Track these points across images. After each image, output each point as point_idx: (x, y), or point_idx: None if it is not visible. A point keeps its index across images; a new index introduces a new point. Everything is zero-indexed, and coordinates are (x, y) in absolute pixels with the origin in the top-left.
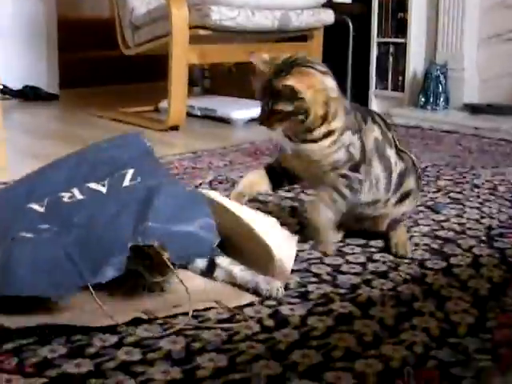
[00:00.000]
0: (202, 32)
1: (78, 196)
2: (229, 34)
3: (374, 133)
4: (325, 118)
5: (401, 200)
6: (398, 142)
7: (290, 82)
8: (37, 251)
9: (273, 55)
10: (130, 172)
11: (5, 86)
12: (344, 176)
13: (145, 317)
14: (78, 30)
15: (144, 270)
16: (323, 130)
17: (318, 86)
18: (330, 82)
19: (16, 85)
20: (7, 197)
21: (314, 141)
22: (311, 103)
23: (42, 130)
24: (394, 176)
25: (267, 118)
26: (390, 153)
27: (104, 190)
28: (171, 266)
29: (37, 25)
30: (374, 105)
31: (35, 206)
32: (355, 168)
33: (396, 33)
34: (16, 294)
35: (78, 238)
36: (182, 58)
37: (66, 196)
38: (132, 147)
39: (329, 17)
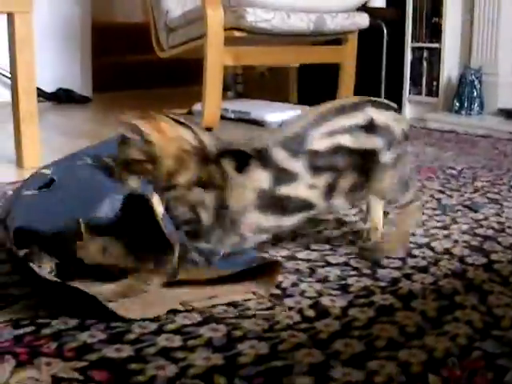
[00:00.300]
0: (237, 34)
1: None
2: (264, 37)
3: (257, 183)
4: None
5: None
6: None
7: (135, 122)
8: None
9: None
10: None
11: (39, 89)
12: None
13: (182, 308)
14: (112, 35)
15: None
16: (169, 180)
17: (169, 133)
18: (186, 134)
19: (50, 88)
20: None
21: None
22: (160, 151)
23: (76, 130)
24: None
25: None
26: (297, 190)
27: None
28: (162, 224)
29: (71, 29)
30: (408, 110)
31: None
32: (196, 233)
33: (430, 37)
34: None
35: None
36: (216, 59)
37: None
38: None
39: (363, 20)
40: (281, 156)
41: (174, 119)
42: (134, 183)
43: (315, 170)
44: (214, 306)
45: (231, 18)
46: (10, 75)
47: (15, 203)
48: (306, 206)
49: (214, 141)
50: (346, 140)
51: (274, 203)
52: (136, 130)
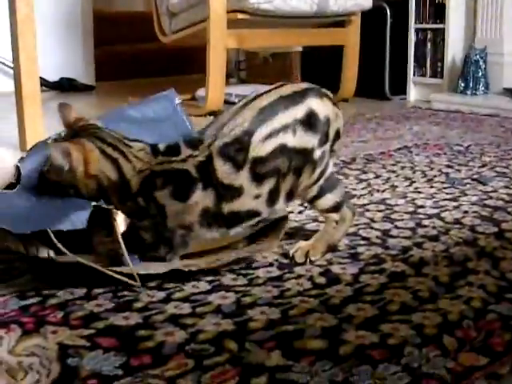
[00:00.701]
0: (240, 16)
1: None
2: (266, 19)
3: (199, 205)
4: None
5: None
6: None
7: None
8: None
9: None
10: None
11: (42, 78)
12: None
13: (185, 269)
14: (114, 23)
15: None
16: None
17: (94, 167)
18: (109, 168)
19: (52, 77)
20: None
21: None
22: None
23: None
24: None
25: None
26: (242, 204)
27: None
28: (120, 241)
29: (73, 18)
30: (413, 92)
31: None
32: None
33: (434, 18)
34: None
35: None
36: (220, 42)
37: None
38: (160, 104)
39: (367, 1)
40: (224, 170)
41: (109, 143)
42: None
43: (259, 178)
44: (220, 273)
45: (234, 1)
46: (9, 63)
47: None
48: (251, 215)
49: (144, 166)
50: (289, 138)
51: (219, 219)
52: (66, 156)
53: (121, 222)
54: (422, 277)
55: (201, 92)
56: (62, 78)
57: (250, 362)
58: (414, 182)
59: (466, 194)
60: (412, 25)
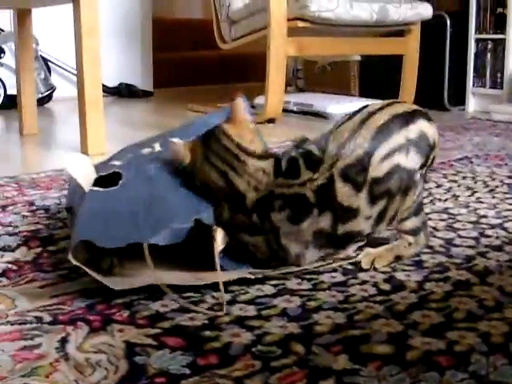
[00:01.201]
0: (300, 24)
1: (157, 148)
2: (327, 28)
3: (314, 226)
4: None
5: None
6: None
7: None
8: (102, 203)
9: None
10: None
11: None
12: None
13: (251, 276)
14: (172, 30)
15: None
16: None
17: None
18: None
19: (112, 82)
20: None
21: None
22: None
23: (139, 122)
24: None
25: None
26: (356, 225)
27: None
28: (216, 260)
29: (132, 24)
30: (472, 103)
31: (116, 162)
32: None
33: (495, 28)
34: (75, 241)
35: (145, 195)
36: (280, 50)
37: (145, 151)
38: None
39: (427, 11)
40: (344, 192)
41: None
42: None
43: (374, 199)
44: (286, 279)
45: (294, 8)
46: (71, 69)
47: (82, 198)
48: (357, 235)
49: (261, 186)
50: (402, 159)
51: (332, 240)
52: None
53: (220, 239)
54: (487, 286)
55: (260, 100)
56: (121, 84)
57: (317, 365)
58: (476, 192)
59: None
60: (472, 35)
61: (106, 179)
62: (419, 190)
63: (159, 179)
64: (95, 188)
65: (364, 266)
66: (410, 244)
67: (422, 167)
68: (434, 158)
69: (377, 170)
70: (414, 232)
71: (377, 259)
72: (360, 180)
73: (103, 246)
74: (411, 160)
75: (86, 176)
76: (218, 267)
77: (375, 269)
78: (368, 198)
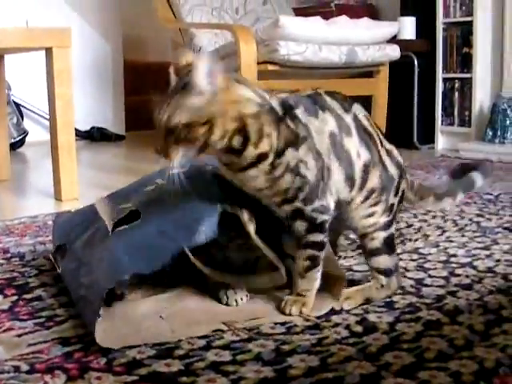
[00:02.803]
0: (270, 67)
1: (160, 182)
2: (296, 70)
3: (328, 126)
4: (245, 138)
5: (366, 198)
6: (366, 122)
7: (190, 57)
8: (130, 236)
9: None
10: None
11: None
12: (300, 216)
13: (225, 328)
14: (144, 74)
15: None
16: (251, 153)
17: (229, 86)
18: (248, 93)
19: (83, 126)
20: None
21: (247, 167)
22: (216, 106)
23: (111, 166)
24: (357, 170)
25: (163, 144)
26: (349, 143)
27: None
28: (254, 236)
29: (103, 67)
30: (441, 141)
31: (124, 205)
32: (312, 196)
33: (461, 68)
34: (118, 279)
35: (169, 212)
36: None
37: (149, 187)
38: None
39: (394, 52)
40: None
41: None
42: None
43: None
44: (259, 325)
45: (264, 52)
46: (43, 113)
47: (111, 240)
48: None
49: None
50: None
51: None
52: (210, 75)
53: (248, 221)
54: (457, 325)
55: None
56: (92, 128)
57: None
58: (446, 231)
59: (497, 243)
60: (439, 74)
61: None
62: (391, 216)
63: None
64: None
65: (335, 306)
66: (382, 286)
67: (395, 194)
68: (403, 192)
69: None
70: (386, 273)
71: (347, 300)
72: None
73: (148, 272)
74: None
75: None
76: (262, 245)
77: (344, 310)
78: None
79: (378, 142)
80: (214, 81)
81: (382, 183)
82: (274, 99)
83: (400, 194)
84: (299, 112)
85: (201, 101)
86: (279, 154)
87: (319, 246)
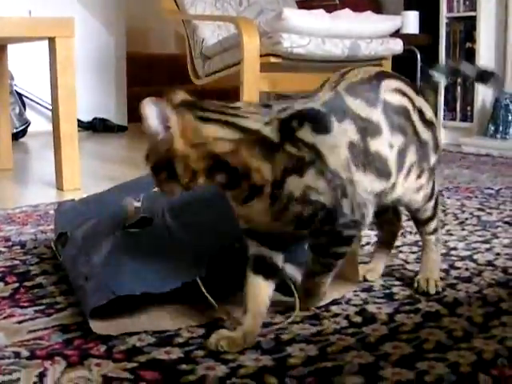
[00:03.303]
0: (273, 60)
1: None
2: (299, 63)
3: (346, 137)
4: (231, 173)
5: (408, 173)
6: (398, 97)
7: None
8: (140, 253)
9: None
10: None
11: None
12: (321, 233)
13: (225, 317)
14: (147, 66)
15: None
16: (244, 187)
17: (190, 127)
18: (217, 132)
19: (85, 117)
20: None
21: (247, 200)
22: (173, 150)
23: (112, 156)
24: (391, 160)
25: (157, 183)
26: (377, 142)
27: None
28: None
29: (106, 59)
30: (443, 135)
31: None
32: (332, 216)
33: None
34: (113, 297)
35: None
36: (253, 85)
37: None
38: None
39: (397, 46)
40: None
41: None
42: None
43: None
44: None
45: (267, 45)
46: (46, 103)
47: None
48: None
49: (270, 117)
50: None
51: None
52: (163, 119)
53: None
54: (456, 317)
55: None
56: (95, 119)
57: None
58: (446, 224)
59: (497, 237)
60: None
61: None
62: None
63: None
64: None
65: (431, 291)
66: (435, 245)
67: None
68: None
69: (388, 95)
70: (435, 232)
71: (369, 272)
72: (371, 98)
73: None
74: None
75: None
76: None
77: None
78: (384, 119)
79: (412, 108)
80: (165, 124)
81: (418, 154)
82: (270, 125)
83: (437, 151)
84: (303, 133)
85: (157, 145)
86: (278, 184)
87: (340, 256)
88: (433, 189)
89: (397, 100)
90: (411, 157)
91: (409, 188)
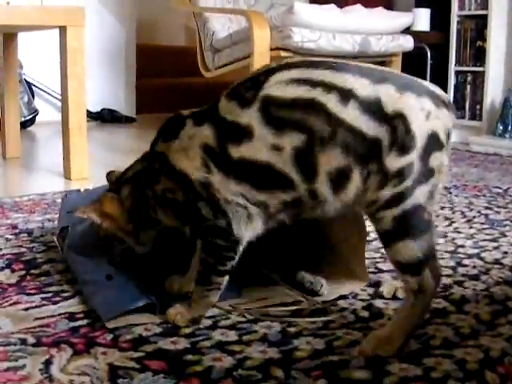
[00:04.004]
0: (283, 54)
1: None
2: (309, 57)
3: (200, 140)
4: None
5: (332, 182)
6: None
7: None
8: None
9: None
10: None
11: None
12: (197, 234)
13: (231, 309)
14: (156, 57)
15: None
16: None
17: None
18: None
19: (94, 108)
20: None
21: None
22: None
23: (120, 147)
24: (283, 164)
25: None
26: (245, 148)
27: None
28: None
29: (116, 50)
30: (452, 134)
31: None
32: (192, 213)
33: (474, 61)
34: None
35: None
36: None
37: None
38: None
39: (408, 43)
40: (227, 107)
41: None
42: None
43: (274, 123)
44: (265, 307)
45: (277, 39)
46: (55, 93)
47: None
48: (266, 171)
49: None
50: (330, 102)
51: (224, 164)
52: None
53: None
54: (464, 314)
55: None
56: (103, 109)
57: None
58: (454, 222)
59: (505, 236)
60: (452, 67)
61: None
62: (402, 186)
63: None
64: None
65: (365, 353)
66: (415, 294)
67: (390, 147)
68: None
69: (275, 89)
70: (415, 268)
71: (383, 347)
72: (248, 96)
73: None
74: (353, 116)
75: None
76: None
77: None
78: (263, 119)
79: (328, 98)
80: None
81: (353, 154)
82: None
83: (407, 151)
84: (157, 145)
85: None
86: (155, 197)
87: (211, 268)
88: (396, 198)
89: (290, 93)
90: (332, 159)
91: (354, 201)
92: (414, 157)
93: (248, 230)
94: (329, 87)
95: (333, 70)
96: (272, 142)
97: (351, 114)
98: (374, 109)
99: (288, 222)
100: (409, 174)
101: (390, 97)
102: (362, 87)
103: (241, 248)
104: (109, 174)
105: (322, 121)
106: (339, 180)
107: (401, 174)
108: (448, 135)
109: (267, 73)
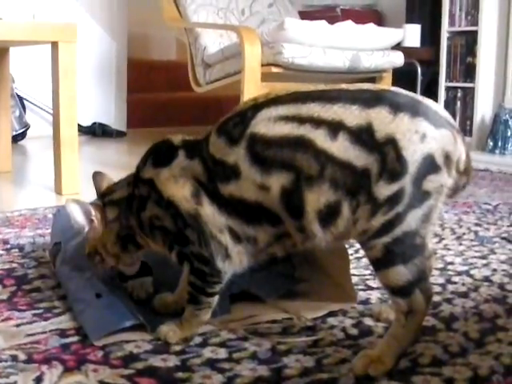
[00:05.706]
0: (274, 69)
1: None
2: (300, 73)
3: (192, 172)
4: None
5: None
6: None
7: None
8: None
9: None
10: None
11: None
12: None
13: (220, 326)
14: (147, 72)
15: None
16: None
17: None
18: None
19: (85, 122)
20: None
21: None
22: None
23: (111, 161)
24: (271, 203)
25: None
26: (233, 187)
27: None
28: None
29: (108, 65)
30: (455, 153)
31: None
32: (178, 239)
33: (464, 77)
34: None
35: None
36: (253, 94)
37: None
38: None
39: (398, 59)
40: (216, 144)
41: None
42: None
43: (261, 162)
44: (256, 324)
45: (268, 54)
46: (46, 107)
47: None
48: (255, 207)
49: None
50: (318, 138)
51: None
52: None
53: None
54: (453, 332)
55: None
56: (94, 123)
57: None
58: (444, 239)
59: (494, 253)
60: (442, 83)
61: None
62: (391, 214)
63: None
64: None
65: (357, 371)
66: (406, 315)
67: (379, 175)
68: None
69: (262, 127)
70: (404, 291)
71: (374, 365)
72: (235, 133)
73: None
74: (342, 149)
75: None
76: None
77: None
78: (250, 158)
79: (315, 135)
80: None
81: (341, 189)
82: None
83: (401, 178)
84: (145, 170)
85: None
86: (141, 225)
87: (198, 289)
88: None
89: (277, 131)
90: (320, 196)
91: (345, 233)
92: (405, 182)
93: (229, 265)
94: (317, 122)
95: (321, 102)
96: (259, 182)
97: (340, 148)
98: (364, 137)
99: (280, 254)
100: (399, 200)
101: (382, 121)
102: (352, 116)
103: (226, 277)
104: (95, 176)
105: (310, 158)
106: (328, 216)
107: (391, 201)
108: (447, 156)
109: (254, 108)
